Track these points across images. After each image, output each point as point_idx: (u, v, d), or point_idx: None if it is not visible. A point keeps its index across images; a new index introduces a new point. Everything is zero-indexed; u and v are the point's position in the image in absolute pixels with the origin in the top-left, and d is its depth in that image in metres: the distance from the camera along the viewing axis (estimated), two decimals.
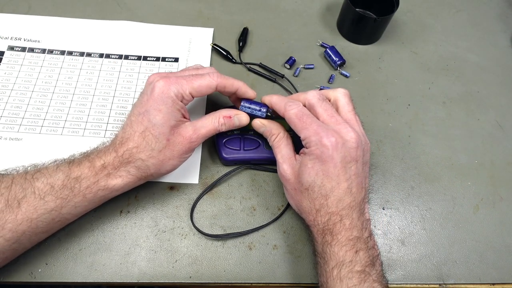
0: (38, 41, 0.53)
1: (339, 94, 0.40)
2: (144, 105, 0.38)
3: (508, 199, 0.47)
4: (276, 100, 0.40)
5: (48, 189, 0.35)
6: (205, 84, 0.39)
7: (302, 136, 0.38)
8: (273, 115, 0.42)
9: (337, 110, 0.39)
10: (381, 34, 0.59)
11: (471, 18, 0.64)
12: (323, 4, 0.62)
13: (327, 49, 0.55)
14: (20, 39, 0.53)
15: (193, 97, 0.40)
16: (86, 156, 0.37)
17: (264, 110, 0.42)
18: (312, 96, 0.39)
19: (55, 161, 0.37)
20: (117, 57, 0.53)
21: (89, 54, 0.53)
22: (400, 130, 0.51)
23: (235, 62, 0.54)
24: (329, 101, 0.40)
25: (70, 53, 0.53)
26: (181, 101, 0.39)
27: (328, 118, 0.38)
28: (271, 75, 0.53)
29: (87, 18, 0.56)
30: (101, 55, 0.53)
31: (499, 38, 0.62)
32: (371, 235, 0.37)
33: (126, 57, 0.53)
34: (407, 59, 0.58)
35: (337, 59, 0.54)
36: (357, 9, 0.55)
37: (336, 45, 0.56)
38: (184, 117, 0.40)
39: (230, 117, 0.41)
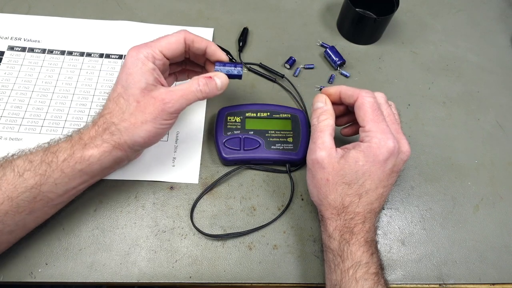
0: (38, 41, 0.53)
1: (383, 103, 0.40)
2: (118, 75, 0.38)
3: (508, 199, 0.47)
4: (346, 87, 0.39)
5: (27, 165, 0.34)
6: (173, 40, 0.38)
7: (367, 127, 0.36)
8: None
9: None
10: (381, 34, 0.59)
11: (471, 18, 0.64)
12: (323, 4, 0.62)
13: (327, 49, 0.55)
14: (20, 39, 0.53)
15: (166, 58, 0.38)
16: (68, 135, 0.37)
17: (240, 68, 0.41)
18: (380, 96, 0.39)
19: (38, 143, 0.38)
20: (117, 57, 0.53)
21: (89, 54, 0.53)
22: None
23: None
24: None
25: (70, 53, 0.53)
26: (154, 63, 0.37)
27: (390, 123, 0.38)
28: (271, 75, 0.53)
29: (87, 18, 0.56)
30: (101, 55, 0.53)
31: (499, 38, 0.62)
32: (377, 257, 0.38)
33: None
34: (407, 59, 0.58)
35: (337, 59, 0.54)
36: (357, 9, 0.55)
37: (336, 45, 0.56)
38: (158, 82, 0.38)
39: (210, 77, 0.39)
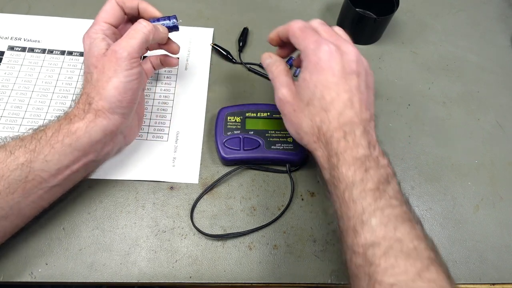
0: (38, 41, 0.53)
1: (338, 31, 0.40)
2: None
3: (508, 199, 0.47)
4: (281, 26, 0.40)
5: (18, 142, 0.35)
6: (108, 7, 0.40)
7: (301, 47, 0.37)
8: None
9: None
10: (381, 34, 0.59)
11: (471, 18, 0.64)
12: (323, 4, 0.62)
13: None
14: (20, 39, 0.53)
15: (112, 25, 0.40)
16: (56, 117, 0.38)
17: (174, 20, 0.43)
18: (315, 21, 0.39)
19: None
20: None
21: None
22: (400, 130, 0.51)
23: (235, 62, 0.54)
24: None
25: (70, 53, 0.53)
26: (104, 34, 0.39)
27: (328, 36, 0.38)
28: None
29: (87, 18, 0.56)
30: None
31: (499, 38, 0.62)
32: (382, 154, 0.35)
33: None
34: (407, 59, 0.58)
35: None
36: (357, 9, 0.55)
37: None
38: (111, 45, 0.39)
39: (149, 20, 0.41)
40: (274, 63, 0.40)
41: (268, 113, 0.47)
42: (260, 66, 0.54)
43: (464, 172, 0.49)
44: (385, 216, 0.31)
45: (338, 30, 0.40)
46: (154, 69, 0.47)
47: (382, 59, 0.57)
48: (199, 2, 0.60)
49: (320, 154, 0.36)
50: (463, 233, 0.45)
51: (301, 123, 0.37)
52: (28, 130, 0.37)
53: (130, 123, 0.41)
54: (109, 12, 0.40)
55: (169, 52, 0.46)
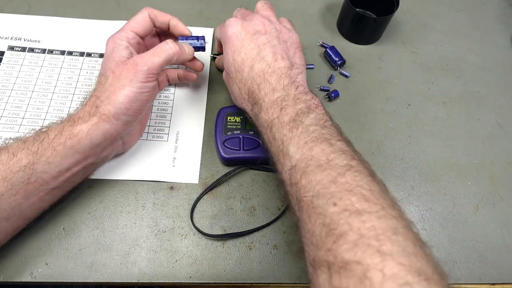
0: (38, 41, 0.53)
1: (258, 4, 0.45)
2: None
3: (508, 199, 0.47)
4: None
5: (21, 144, 0.35)
6: (139, 18, 0.42)
7: (218, 35, 0.44)
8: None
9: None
10: (381, 34, 0.59)
11: (471, 18, 0.64)
12: (323, 4, 0.62)
13: (327, 49, 0.55)
14: (20, 39, 0.53)
15: (138, 35, 0.42)
16: (60, 119, 0.39)
17: (202, 40, 0.44)
18: (235, 13, 0.45)
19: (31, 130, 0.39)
20: None
21: (89, 54, 0.53)
22: (400, 130, 0.51)
23: None
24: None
25: (70, 53, 0.53)
26: (128, 43, 0.40)
27: (241, 16, 0.43)
28: None
29: (87, 18, 0.56)
30: (101, 55, 0.53)
31: (499, 38, 0.62)
32: (307, 93, 0.37)
33: None
34: (407, 59, 0.58)
35: (337, 59, 0.54)
36: (357, 9, 0.55)
37: (336, 45, 0.56)
38: (132, 56, 0.40)
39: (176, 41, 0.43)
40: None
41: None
42: None
43: (464, 172, 0.49)
44: (301, 140, 0.32)
45: (259, 4, 0.45)
46: (169, 82, 0.48)
47: (382, 59, 0.57)
48: (199, 2, 0.60)
49: (248, 110, 0.39)
50: (463, 233, 0.45)
51: (233, 91, 0.41)
52: (30, 131, 0.37)
53: (131, 130, 0.42)
54: (139, 22, 0.42)
55: (192, 68, 0.48)
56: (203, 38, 0.44)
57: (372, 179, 0.30)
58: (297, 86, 0.37)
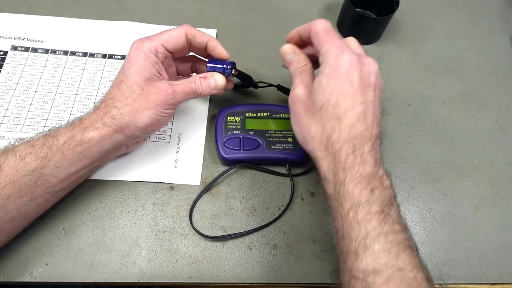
0: (42, 41, 0.53)
1: (351, 40, 0.40)
2: (122, 64, 0.39)
3: (508, 199, 0.47)
4: (301, 26, 0.39)
5: (29, 148, 0.35)
6: (175, 34, 0.40)
7: (323, 49, 0.35)
8: (240, 73, 0.43)
9: None
10: (381, 34, 0.59)
11: (471, 18, 0.64)
12: (323, 4, 0.62)
13: None
14: (23, 39, 0.53)
15: (168, 51, 0.40)
16: (69, 122, 0.38)
17: (229, 67, 0.42)
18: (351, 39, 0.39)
19: (38, 132, 0.39)
20: (120, 57, 0.53)
21: (92, 55, 0.53)
22: (400, 130, 0.51)
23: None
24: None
25: (73, 53, 0.53)
26: (156, 56, 0.39)
27: (352, 46, 0.37)
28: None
29: (87, 18, 0.56)
30: (104, 56, 0.53)
31: (499, 38, 0.62)
32: (386, 175, 0.33)
33: None
34: (407, 59, 0.58)
35: None
36: (357, 9, 0.55)
37: None
38: (160, 74, 0.40)
39: (205, 77, 0.41)
40: (299, 60, 0.39)
41: (268, 113, 0.47)
42: (279, 87, 0.51)
43: (464, 172, 0.49)
44: (388, 242, 0.30)
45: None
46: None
47: (382, 59, 0.57)
48: (199, 2, 0.60)
49: (325, 164, 0.34)
50: (463, 233, 0.45)
51: (310, 127, 0.35)
52: (38, 134, 0.37)
53: (139, 139, 0.43)
54: (173, 38, 0.40)
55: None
56: (231, 64, 0.42)
57: None
58: (380, 165, 0.33)
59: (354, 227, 0.31)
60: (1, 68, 0.50)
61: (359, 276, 0.29)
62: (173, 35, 0.40)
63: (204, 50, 0.43)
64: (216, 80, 0.41)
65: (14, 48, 0.52)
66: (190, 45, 0.42)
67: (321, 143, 0.34)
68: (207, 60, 0.44)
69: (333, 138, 0.33)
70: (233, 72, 0.42)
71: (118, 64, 0.52)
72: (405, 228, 0.32)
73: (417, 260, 0.30)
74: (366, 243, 0.30)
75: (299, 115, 0.36)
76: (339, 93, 0.34)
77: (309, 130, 0.35)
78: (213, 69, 0.42)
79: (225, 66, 0.42)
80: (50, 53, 0.52)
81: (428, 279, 0.30)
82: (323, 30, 0.36)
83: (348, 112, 0.33)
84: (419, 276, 0.29)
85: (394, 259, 0.29)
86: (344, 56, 0.34)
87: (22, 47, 0.53)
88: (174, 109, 0.40)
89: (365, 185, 0.31)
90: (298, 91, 0.36)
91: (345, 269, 0.31)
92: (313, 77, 0.37)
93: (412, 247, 0.31)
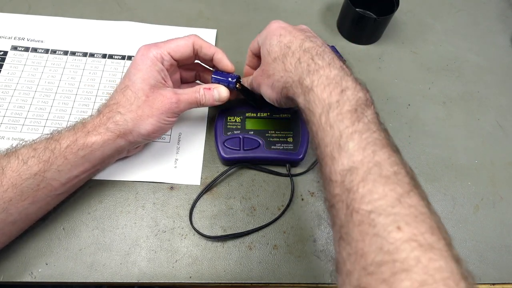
0: (42, 41, 0.53)
1: None
2: (128, 69, 0.40)
3: (508, 199, 0.47)
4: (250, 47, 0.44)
5: (31, 152, 0.35)
6: (182, 43, 0.40)
7: (253, 46, 0.42)
8: (244, 88, 0.44)
9: None
10: (381, 34, 0.59)
11: (471, 18, 0.64)
12: (323, 4, 0.62)
13: None
14: (23, 39, 0.53)
15: (174, 60, 0.40)
16: (71, 125, 0.38)
17: (234, 80, 0.42)
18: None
19: (41, 134, 0.39)
20: (120, 57, 0.53)
21: (92, 55, 0.53)
22: (400, 130, 0.51)
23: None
24: None
25: (73, 53, 0.53)
26: (162, 63, 0.39)
27: None
28: None
29: (87, 18, 0.56)
30: (104, 56, 0.53)
31: (499, 38, 0.62)
32: (358, 80, 0.32)
33: (129, 58, 0.53)
34: (407, 59, 0.58)
35: None
36: (357, 9, 0.55)
37: (336, 45, 0.56)
38: (165, 82, 0.40)
39: (209, 88, 0.41)
40: (246, 81, 0.44)
41: (268, 113, 0.47)
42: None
43: (464, 172, 0.49)
44: (363, 139, 0.28)
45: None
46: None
47: (382, 59, 0.57)
48: (199, 2, 0.60)
49: (290, 81, 0.34)
50: (463, 233, 0.45)
51: (273, 74, 0.36)
52: (40, 137, 0.37)
53: (140, 144, 0.43)
54: (180, 47, 0.40)
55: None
56: (236, 78, 0.42)
57: (430, 206, 0.26)
58: (348, 72, 0.32)
59: (327, 131, 0.29)
60: (1, 68, 0.50)
61: (337, 179, 0.28)
62: (180, 44, 0.40)
63: (209, 61, 0.43)
64: (220, 92, 0.42)
65: (14, 48, 0.52)
66: (196, 54, 0.42)
67: (289, 78, 0.35)
68: (211, 69, 0.44)
69: (290, 61, 0.35)
70: (237, 86, 0.42)
71: (118, 64, 0.52)
72: (384, 130, 0.30)
73: (399, 158, 0.28)
74: (340, 143, 0.28)
75: (262, 79, 0.39)
76: (279, 35, 0.37)
77: (274, 77, 0.37)
78: (218, 81, 0.42)
79: (230, 79, 0.42)
80: (50, 53, 0.52)
81: (413, 177, 0.28)
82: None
83: (292, 41, 0.36)
84: (402, 172, 0.27)
85: (371, 156, 0.27)
86: (265, 28, 0.39)
87: (22, 47, 0.53)
88: (176, 118, 0.41)
89: (333, 87, 0.30)
90: (254, 75, 0.41)
91: (324, 178, 0.30)
92: (257, 63, 0.42)
93: (392, 146, 0.29)
